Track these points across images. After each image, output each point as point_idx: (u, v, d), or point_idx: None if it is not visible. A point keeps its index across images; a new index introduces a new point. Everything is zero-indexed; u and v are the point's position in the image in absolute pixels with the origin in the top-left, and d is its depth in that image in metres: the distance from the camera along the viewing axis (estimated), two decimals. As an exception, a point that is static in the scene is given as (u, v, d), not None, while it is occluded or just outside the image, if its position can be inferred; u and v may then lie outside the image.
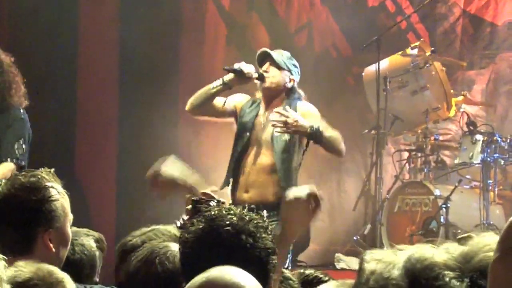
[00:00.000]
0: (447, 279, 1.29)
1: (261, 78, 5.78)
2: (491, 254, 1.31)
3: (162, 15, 9.52)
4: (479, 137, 7.49)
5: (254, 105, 5.93)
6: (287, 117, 5.51)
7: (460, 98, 8.17)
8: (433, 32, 9.36)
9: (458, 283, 1.29)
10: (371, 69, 8.15)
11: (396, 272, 1.31)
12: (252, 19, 9.97)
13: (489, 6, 9.15)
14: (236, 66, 5.78)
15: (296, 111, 5.71)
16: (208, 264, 2.21)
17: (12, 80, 5.74)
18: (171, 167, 3.95)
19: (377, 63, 7.87)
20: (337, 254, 8.01)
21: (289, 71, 5.84)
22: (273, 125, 5.61)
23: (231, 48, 9.91)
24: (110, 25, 9.44)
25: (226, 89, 5.80)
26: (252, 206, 2.78)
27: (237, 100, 5.96)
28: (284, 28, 9.96)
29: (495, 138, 7.40)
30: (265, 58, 5.86)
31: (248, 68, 5.75)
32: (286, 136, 5.70)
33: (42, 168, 2.92)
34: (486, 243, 1.35)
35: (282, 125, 5.52)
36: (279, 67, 5.82)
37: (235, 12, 10.11)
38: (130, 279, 3.11)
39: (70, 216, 2.90)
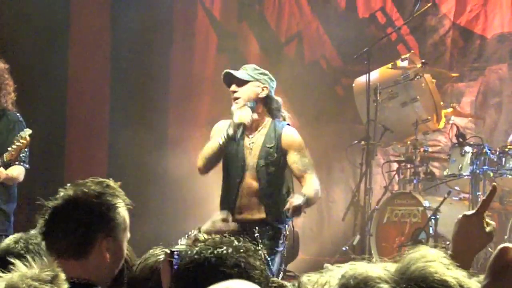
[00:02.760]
0: None
1: (239, 127, 5.59)
2: (425, 264, 1.33)
3: (153, 22, 9.53)
4: (468, 149, 7.50)
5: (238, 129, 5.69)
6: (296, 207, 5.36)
7: (450, 110, 8.20)
8: (423, 44, 9.40)
9: None
10: (361, 80, 8.16)
11: None
12: (242, 29, 9.98)
13: (478, 19, 9.19)
14: (229, 131, 5.58)
15: (280, 137, 5.62)
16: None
17: (3, 86, 5.78)
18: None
19: (368, 74, 7.88)
20: (326, 265, 7.91)
21: (258, 80, 5.69)
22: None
23: (221, 56, 9.92)
24: (101, 32, 9.44)
25: (232, 140, 5.65)
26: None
27: (221, 129, 5.73)
28: (274, 38, 9.98)
29: (484, 150, 7.41)
30: (230, 79, 5.69)
31: (230, 131, 5.60)
32: (272, 168, 5.66)
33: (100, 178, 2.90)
34: (421, 255, 1.36)
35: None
36: (244, 82, 5.66)
37: (226, 22, 10.13)
38: (136, 283, 3.07)
39: (128, 234, 2.86)
